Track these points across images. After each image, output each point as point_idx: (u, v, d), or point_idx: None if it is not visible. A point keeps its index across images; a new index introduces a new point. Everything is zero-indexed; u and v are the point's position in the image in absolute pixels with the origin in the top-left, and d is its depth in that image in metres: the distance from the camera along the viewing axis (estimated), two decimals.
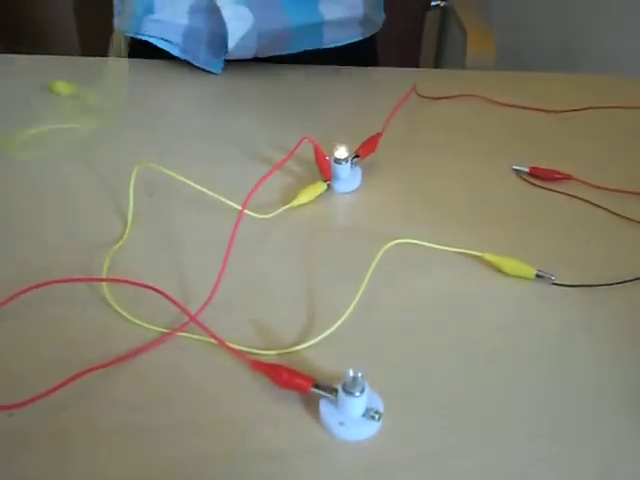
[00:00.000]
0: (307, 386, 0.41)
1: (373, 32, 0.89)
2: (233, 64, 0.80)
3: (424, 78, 0.83)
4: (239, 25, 0.77)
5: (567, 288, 0.52)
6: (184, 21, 0.79)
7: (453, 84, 0.81)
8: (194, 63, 0.80)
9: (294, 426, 0.41)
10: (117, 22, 0.85)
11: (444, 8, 1.36)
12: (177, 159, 0.60)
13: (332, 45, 0.81)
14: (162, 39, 0.80)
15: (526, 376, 0.45)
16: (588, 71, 1.19)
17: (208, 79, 0.80)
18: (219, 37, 0.78)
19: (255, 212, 0.56)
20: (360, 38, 0.86)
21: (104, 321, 0.47)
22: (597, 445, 0.41)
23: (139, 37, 0.81)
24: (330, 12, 0.81)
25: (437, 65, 2.02)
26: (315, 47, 0.82)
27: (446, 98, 0.78)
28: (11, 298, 0.47)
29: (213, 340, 0.45)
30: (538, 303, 0.51)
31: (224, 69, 0.80)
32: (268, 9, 0.78)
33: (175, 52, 0.80)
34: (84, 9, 1.76)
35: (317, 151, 0.59)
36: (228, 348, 0.44)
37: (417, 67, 1.00)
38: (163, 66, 0.81)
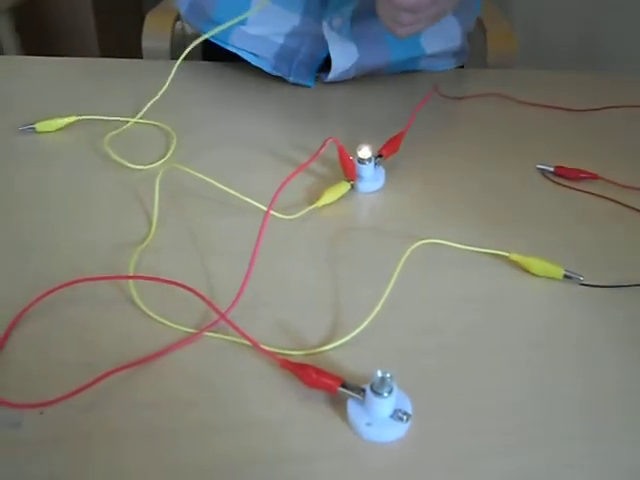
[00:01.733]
0: (335, 386, 0.41)
1: (462, 62, 0.89)
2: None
3: (446, 78, 0.82)
4: (344, 60, 0.76)
5: (596, 289, 0.51)
6: (280, 40, 0.78)
7: (475, 83, 0.81)
8: (286, 79, 0.79)
9: (322, 427, 0.41)
10: (186, 14, 0.84)
11: None
12: (203, 162, 0.60)
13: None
14: (251, 53, 0.79)
15: (556, 378, 0.44)
16: (608, 69, 1.18)
17: (233, 83, 0.79)
18: (315, 59, 0.78)
19: (280, 213, 0.55)
20: (452, 67, 0.86)
21: (130, 321, 0.47)
22: (622, 448, 0.40)
23: (223, 46, 0.79)
24: (431, 45, 0.81)
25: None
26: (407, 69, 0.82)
27: (469, 97, 0.77)
28: (37, 300, 0.47)
29: (240, 340, 0.45)
30: (566, 304, 0.50)
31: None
32: (372, 44, 0.77)
33: (266, 68, 0.79)
34: (103, 14, 1.78)
35: (341, 152, 0.59)
36: (257, 347, 0.44)
37: None
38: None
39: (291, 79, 0.79)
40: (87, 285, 0.49)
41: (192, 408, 0.41)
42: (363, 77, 0.79)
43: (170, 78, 0.70)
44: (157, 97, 0.70)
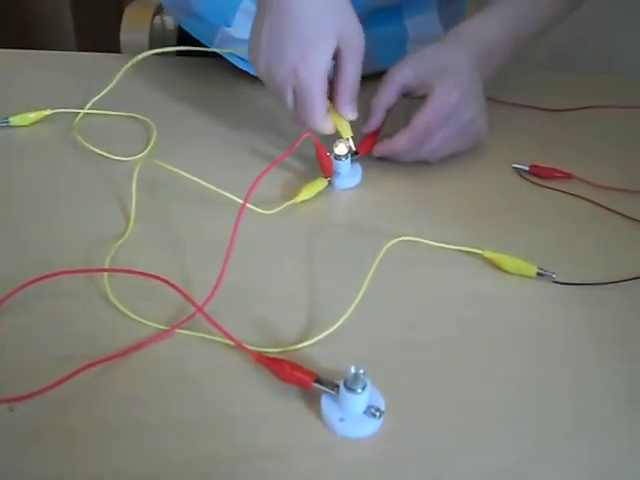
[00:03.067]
0: (309, 381, 0.41)
1: None
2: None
3: None
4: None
5: (568, 286, 0.52)
6: None
7: None
8: None
9: (296, 424, 0.41)
10: (166, 2, 0.82)
11: None
12: (180, 156, 0.60)
13: None
14: (238, 57, 0.76)
15: (528, 374, 0.45)
16: (585, 70, 1.20)
17: (213, 78, 0.79)
18: None
19: (258, 208, 0.56)
20: None
21: (106, 317, 0.46)
22: (601, 443, 0.41)
23: (206, 44, 0.77)
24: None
25: None
26: None
27: None
28: (12, 293, 0.47)
29: (215, 337, 0.45)
30: (539, 301, 0.51)
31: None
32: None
33: (252, 71, 0.74)
34: (81, 7, 1.76)
35: (318, 147, 0.59)
36: (233, 340, 0.44)
37: None
38: (171, 64, 0.81)
39: None
40: (63, 279, 0.48)
41: (169, 404, 0.41)
42: None
43: (122, 72, 0.70)
44: (107, 90, 0.70)
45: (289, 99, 0.58)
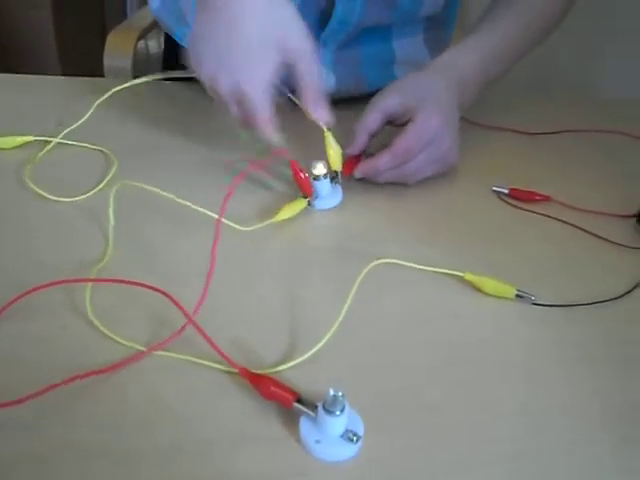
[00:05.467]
0: (290, 399, 0.41)
1: None
2: None
3: None
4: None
5: (546, 308, 0.52)
6: None
7: None
8: None
9: (275, 448, 0.40)
10: (156, 10, 0.82)
11: None
12: (157, 178, 0.60)
13: None
14: None
15: (506, 396, 0.45)
16: (564, 94, 1.21)
17: (188, 98, 0.79)
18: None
19: (237, 225, 0.56)
20: None
21: (84, 339, 0.46)
22: (573, 465, 0.41)
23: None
24: (401, 74, 0.79)
25: None
26: None
27: None
28: None
29: (193, 358, 0.45)
30: (518, 323, 0.51)
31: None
32: (349, 75, 0.77)
33: None
34: (65, 32, 1.77)
35: (293, 167, 0.60)
36: (220, 354, 0.44)
37: None
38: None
39: None
40: (42, 300, 0.48)
41: (148, 428, 0.41)
42: None
43: (92, 109, 0.71)
44: (81, 121, 0.70)
45: (234, 109, 0.59)
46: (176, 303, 0.48)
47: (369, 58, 0.79)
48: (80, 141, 0.68)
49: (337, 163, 0.62)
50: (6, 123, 0.69)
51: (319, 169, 0.60)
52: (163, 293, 0.48)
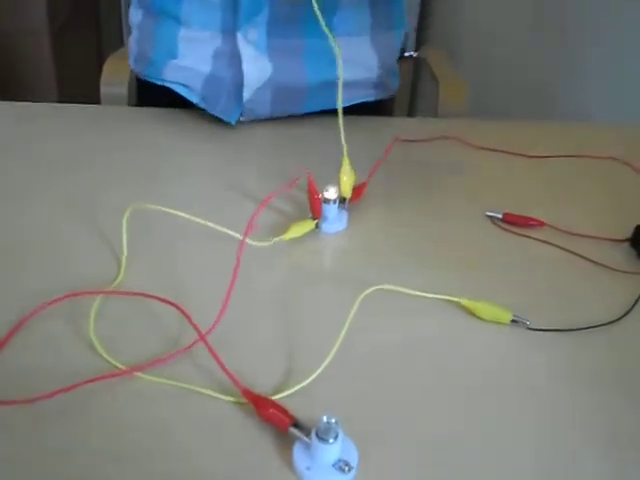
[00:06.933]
0: (287, 423, 0.41)
1: (386, 95, 0.89)
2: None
3: (402, 125, 0.84)
4: (257, 75, 0.77)
5: (542, 333, 0.52)
6: (207, 68, 0.78)
7: (429, 131, 0.83)
8: (211, 112, 0.79)
9: (268, 476, 0.40)
10: (133, 64, 0.85)
11: (417, 59, 1.40)
12: (165, 198, 0.61)
13: (345, 105, 0.73)
14: (182, 85, 0.80)
15: (503, 422, 0.45)
16: (558, 119, 1.23)
17: (210, 127, 0.79)
18: (239, 87, 0.77)
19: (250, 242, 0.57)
20: (372, 99, 0.87)
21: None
22: None
23: (159, 82, 0.80)
24: (346, 72, 0.79)
25: (411, 112, 2.06)
26: (328, 107, 0.79)
27: (427, 141, 0.79)
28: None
29: (186, 385, 0.45)
30: (513, 348, 0.51)
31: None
32: (288, 62, 0.78)
33: (194, 99, 0.80)
34: (62, 59, 1.78)
35: (311, 187, 0.60)
36: (227, 374, 0.45)
37: (391, 115, 1.02)
38: (169, 113, 0.82)
39: (217, 113, 0.78)
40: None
41: (141, 457, 0.40)
42: (327, 118, 0.80)
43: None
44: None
45: None
46: (188, 317, 0.49)
47: (310, 49, 0.79)
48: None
49: (348, 191, 0.63)
50: None
51: (331, 193, 0.61)
52: (177, 307, 0.50)
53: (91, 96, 0.95)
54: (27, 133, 0.76)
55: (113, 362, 0.46)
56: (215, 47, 0.78)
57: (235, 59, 0.77)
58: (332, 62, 0.80)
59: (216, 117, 0.78)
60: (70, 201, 0.64)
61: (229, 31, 0.76)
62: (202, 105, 0.79)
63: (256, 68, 0.76)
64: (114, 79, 0.97)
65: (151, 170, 0.70)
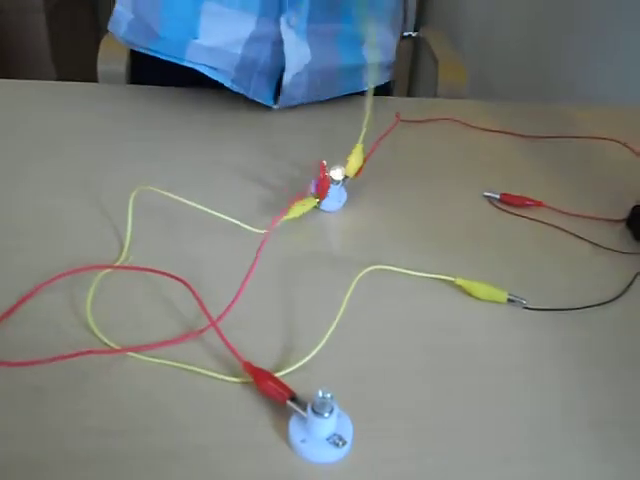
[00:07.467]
0: (285, 396, 0.42)
1: (392, 77, 0.92)
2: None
3: (401, 106, 0.84)
4: (297, 60, 0.76)
5: (538, 312, 0.52)
6: (238, 50, 0.75)
7: (428, 112, 0.83)
8: (247, 95, 0.77)
9: (267, 453, 0.40)
10: (124, 34, 0.79)
11: (416, 38, 1.39)
12: (177, 186, 0.61)
13: (367, 87, 0.74)
14: (209, 67, 0.76)
15: (497, 400, 0.45)
16: (556, 100, 1.22)
17: (213, 107, 0.79)
18: (273, 69, 0.77)
19: (249, 226, 0.57)
20: (388, 80, 0.89)
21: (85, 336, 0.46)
22: (565, 468, 0.41)
23: (183, 64, 0.75)
24: (370, 56, 0.82)
25: (410, 93, 2.06)
26: (355, 90, 0.82)
27: (427, 121, 0.79)
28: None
29: (183, 365, 0.45)
30: (509, 327, 0.52)
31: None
32: (324, 47, 0.78)
33: (227, 82, 0.77)
34: (58, 37, 1.77)
35: (322, 167, 0.60)
36: (229, 346, 0.46)
37: (390, 95, 1.02)
38: (168, 92, 0.81)
39: (250, 95, 0.78)
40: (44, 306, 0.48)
41: (140, 433, 0.41)
42: (328, 103, 0.80)
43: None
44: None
45: None
46: (200, 301, 0.49)
47: (344, 34, 0.80)
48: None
49: (352, 172, 0.63)
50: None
51: (338, 174, 0.61)
52: (186, 284, 0.51)
53: (89, 75, 0.95)
54: (25, 111, 0.75)
55: (107, 341, 0.46)
56: (250, 31, 0.74)
57: (271, 43, 0.76)
58: (359, 46, 0.81)
59: (216, 96, 0.78)
60: (69, 180, 0.64)
61: (268, 15, 0.74)
62: (235, 88, 0.77)
63: (297, 53, 0.76)
64: (111, 57, 0.96)
65: (151, 150, 0.70)
